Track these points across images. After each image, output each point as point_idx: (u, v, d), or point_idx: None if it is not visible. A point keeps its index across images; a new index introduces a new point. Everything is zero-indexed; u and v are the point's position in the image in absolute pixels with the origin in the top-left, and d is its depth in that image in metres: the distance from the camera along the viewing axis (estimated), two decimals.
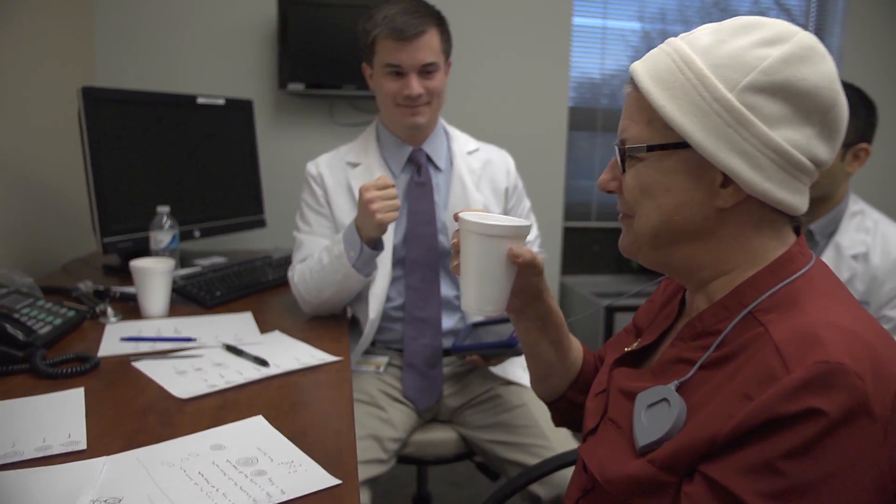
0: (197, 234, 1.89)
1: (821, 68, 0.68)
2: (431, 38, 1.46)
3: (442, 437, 1.54)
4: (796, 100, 0.68)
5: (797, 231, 0.77)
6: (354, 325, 1.61)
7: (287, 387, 1.11)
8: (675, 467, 0.66)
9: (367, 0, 2.32)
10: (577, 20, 2.73)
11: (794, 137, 0.68)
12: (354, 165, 1.57)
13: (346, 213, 1.53)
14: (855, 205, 1.56)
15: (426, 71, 1.47)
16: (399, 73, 1.46)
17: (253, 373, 1.15)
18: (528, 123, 2.68)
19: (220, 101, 1.97)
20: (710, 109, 0.68)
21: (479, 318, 1.52)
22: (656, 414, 0.70)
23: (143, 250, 1.69)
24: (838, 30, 2.97)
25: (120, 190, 1.69)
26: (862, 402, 0.58)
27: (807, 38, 0.69)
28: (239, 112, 2.07)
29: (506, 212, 1.65)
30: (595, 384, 0.89)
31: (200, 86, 2.31)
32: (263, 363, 1.19)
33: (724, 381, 0.67)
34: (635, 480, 0.69)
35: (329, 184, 1.55)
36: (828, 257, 1.54)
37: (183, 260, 1.89)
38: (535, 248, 1.75)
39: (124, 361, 1.18)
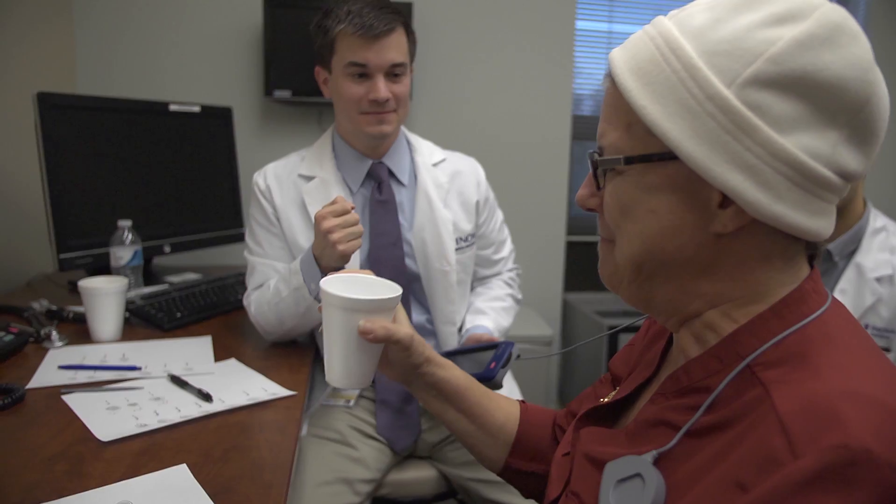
0: (167, 249, 1.78)
1: (850, 52, 0.52)
2: (400, 38, 1.32)
3: (420, 475, 1.39)
4: (817, 96, 0.52)
5: (811, 261, 0.61)
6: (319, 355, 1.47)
7: (226, 428, 0.99)
8: None
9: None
10: (580, 24, 2.60)
11: (814, 145, 0.53)
12: (308, 179, 1.41)
13: (300, 232, 1.37)
14: (877, 220, 1.42)
15: (394, 73, 1.32)
16: (364, 74, 1.31)
17: (192, 409, 1.03)
18: (529, 133, 2.55)
19: (196, 109, 1.87)
20: (703, 111, 0.53)
21: (451, 347, 1.39)
22: (628, 493, 0.56)
23: (107, 267, 1.58)
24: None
25: (80, 203, 1.58)
26: (885, 488, 0.43)
27: (832, 13, 0.53)
28: (216, 120, 1.96)
29: (478, 226, 1.51)
30: (562, 444, 0.75)
31: (184, 93, 2.22)
32: (207, 398, 1.06)
33: (715, 458, 0.52)
34: None
35: (278, 200, 1.39)
36: (848, 280, 1.39)
37: (154, 276, 1.78)
38: (508, 265, 1.60)
39: (54, 394, 1.06)
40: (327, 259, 1.20)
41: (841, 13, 0.53)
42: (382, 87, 1.30)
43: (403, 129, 1.49)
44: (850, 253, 1.41)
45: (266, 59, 2.22)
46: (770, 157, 0.52)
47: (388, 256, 1.37)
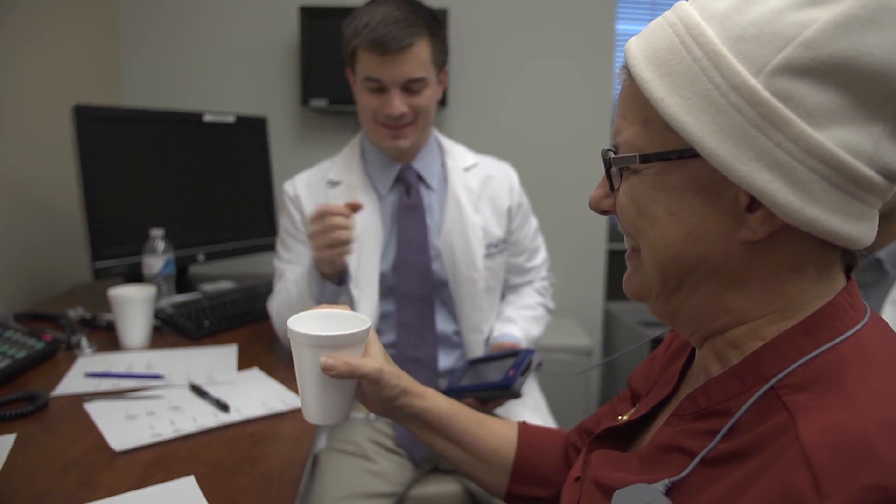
0: (201, 258, 1.80)
1: (892, 36, 0.46)
2: (420, 51, 1.26)
3: (444, 489, 1.36)
4: (857, 84, 0.47)
5: (848, 272, 0.55)
6: None
7: (239, 438, 0.98)
8: None
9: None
10: (621, 26, 2.53)
11: (854, 140, 0.47)
12: (335, 184, 1.40)
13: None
14: None
15: (411, 88, 1.29)
16: (380, 88, 1.29)
17: (209, 419, 1.02)
18: (568, 138, 2.49)
19: (230, 119, 1.88)
20: (727, 102, 0.48)
21: (476, 356, 1.35)
22: None
23: (140, 275, 1.60)
24: None
25: (115, 212, 1.61)
26: None
27: None
28: (251, 129, 1.98)
29: (510, 232, 1.47)
30: (574, 466, 0.70)
31: (223, 103, 2.25)
32: (224, 408, 1.06)
33: (733, 491, 0.46)
34: None
35: (307, 207, 1.39)
36: None
37: (189, 285, 1.80)
38: (541, 273, 1.55)
39: (76, 402, 1.07)
40: (320, 265, 1.19)
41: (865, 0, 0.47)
42: (397, 103, 1.27)
43: (435, 132, 1.46)
44: None
45: (302, 69, 2.24)
46: (803, 153, 0.47)
47: (414, 262, 1.34)
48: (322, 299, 1.23)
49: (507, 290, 1.52)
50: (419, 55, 1.26)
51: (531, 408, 1.39)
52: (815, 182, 0.47)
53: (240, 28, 2.30)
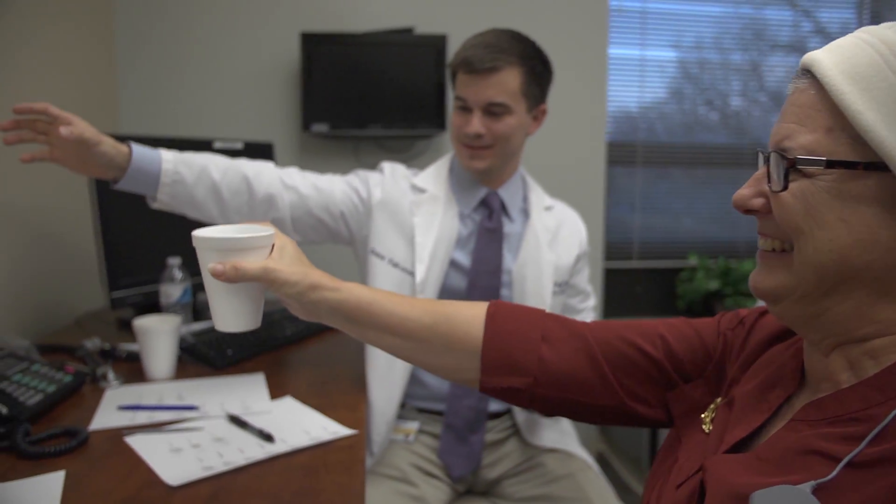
0: None
1: None
2: (507, 77, 1.31)
3: None
4: None
5: None
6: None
7: (292, 469, 0.98)
8: None
9: (394, 37, 2.26)
10: (613, 51, 2.60)
11: None
12: (420, 191, 1.42)
13: (382, 232, 1.37)
14: None
15: (493, 111, 1.33)
16: (465, 108, 1.34)
17: (256, 451, 1.02)
18: (564, 159, 2.54)
19: (239, 146, 1.89)
20: None
21: None
22: None
23: (156, 304, 1.59)
24: None
25: (129, 242, 1.60)
26: None
27: None
28: (259, 155, 1.97)
29: (572, 274, 1.50)
30: (675, 469, 0.70)
31: (224, 129, 2.25)
32: (269, 439, 1.06)
33: (889, 494, 0.49)
34: None
35: (377, 192, 1.39)
36: None
37: (200, 313, 1.79)
38: (591, 315, 1.58)
39: (116, 436, 1.06)
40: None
41: None
42: (475, 123, 1.32)
43: (522, 168, 1.50)
44: None
45: (304, 94, 2.25)
46: None
47: (485, 283, 1.37)
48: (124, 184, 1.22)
49: None
50: (505, 81, 1.31)
51: (562, 431, 1.42)
52: None
53: (240, 54, 2.31)
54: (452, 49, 2.35)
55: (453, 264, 1.39)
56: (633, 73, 2.72)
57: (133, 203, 1.61)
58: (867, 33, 0.57)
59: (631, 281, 2.84)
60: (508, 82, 1.31)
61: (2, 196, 1.52)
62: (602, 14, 2.51)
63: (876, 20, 2.82)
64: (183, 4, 2.26)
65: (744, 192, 0.63)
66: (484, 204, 1.43)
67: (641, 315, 2.86)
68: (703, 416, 0.73)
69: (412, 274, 1.35)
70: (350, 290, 0.80)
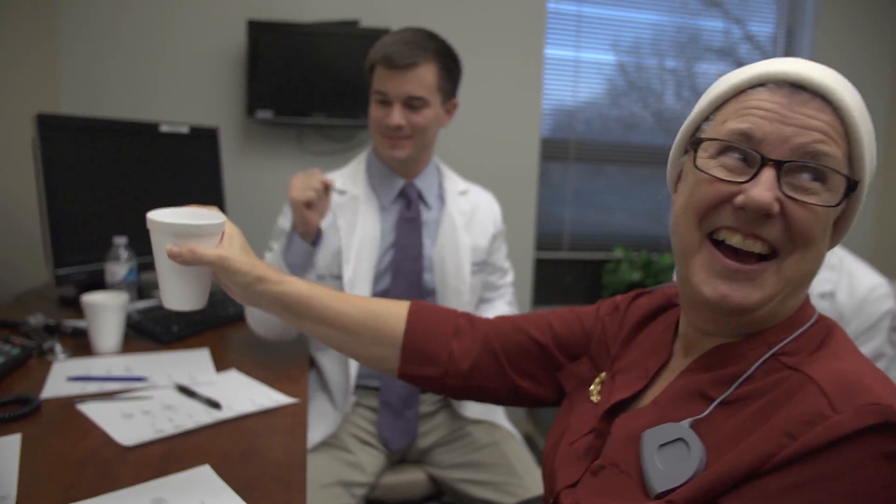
0: None
1: None
2: (424, 72, 1.41)
3: (411, 478, 1.49)
4: None
5: None
6: (314, 364, 1.55)
7: (239, 432, 1.06)
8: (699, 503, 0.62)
9: (339, 28, 2.33)
10: (549, 51, 2.74)
11: None
12: (341, 193, 1.51)
13: (327, 242, 1.46)
14: None
15: (412, 104, 1.43)
16: (385, 101, 1.43)
17: (204, 416, 1.10)
18: (500, 153, 2.67)
19: (185, 129, 1.93)
20: (871, 165, 0.66)
21: None
22: (672, 455, 0.65)
23: (99, 283, 1.63)
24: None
25: (75, 220, 1.63)
26: None
27: None
28: (204, 140, 2.03)
29: (489, 254, 1.62)
30: (567, 432, 0.83)
31: (167, 112, 2.27)
32: (216, 406, 1.13)
33: (752, 421, 0.62)
34: None
35: (341, 223, 1.49)
36: None
37: (144, 291, 1.83)
38: (510, 289, 1.71)
39: (68, 404, 1.12)
40: (296, 216, 1.31)
41: None
42: (396, 115, 1.41)
43: (436, 157, 1.60)
44: None
45: (249, 80, 2.30)
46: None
47: (408, 269, 1.47)
48: (290, 258, 1.33)
49: (482, 302, 1.67)
50: (423, 76, 1.41)
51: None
52: None
53: (187, 38, 2.33)
54: None
55: (379, 257, 1.49)
56: (568, 74, 2.86)
57: (79, 181, 1.65)
58: (840, 75, 0.68)
59: (561, 271, 3.00)
60: (426, 77, 1.42)
61: None
62: (540, 16, 2.64)
63: (791, 34, 3.06)
64: None
65: (767, 194, 0.63)
66: (402, 195, 1.53)
67: (570, 302, 3.02)
68: (590, 388, 0.86)
69: (339, 277, 1.45)
70: (291, 284, 0.90)
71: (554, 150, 2.88)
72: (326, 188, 1.36)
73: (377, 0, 2.45)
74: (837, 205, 0.65)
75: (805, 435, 0.57)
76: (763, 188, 0.63)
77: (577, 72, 2.87)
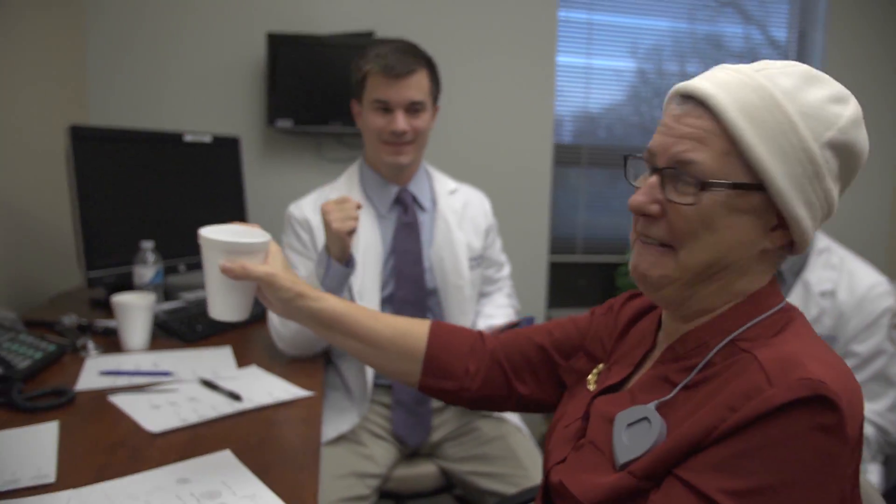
0: (182, 268, 1.93)
1: (864, 135, 0.73)
2: (421, 79, 1.50)
3: (423, 471, 1.55)
4: (849, 160, 0.72)
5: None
6: (329, 362, 1.62)
7: (258, 422, 1.14)
8: (654, 476, 0.68)
9: (355, 40, 2.41)
10: (560, 58, 2.80)
11: (835, 192, 0.73)
12: None
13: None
14: (821, 242, 1.60)
15: (413, 109, 1.50)
16: (386, 108, 1.49)
17: (226, 407, 1.17)
18: (515, 161, 2.73)
19: (207, 139, 2.02)
20: (795, 157, 0.69)
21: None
22: (637, 432, 0.72)
23: (128, 284, 1.72)
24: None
25: (105, 225, 1.72)
26: (836, 420, 0.61)
27: (856, 104, 0.72)
28: (226, 149, 2.12)
29: (485, 248, 1.68)
30: (563, 417, 0.90)
31: (191, 122, 2.37)
32: (237, 398, 1.21)
33: (707, 399, 0.68)
34: (614, 490, 0.70)
35: (315, 226, 1.56)
36: (797, 295, 1.57)
37: (169, 293, 1.92)
38: (507, 281, 1.77)
39: (101, 395, 1.21)
40: (331, 243, 1.36)
41: (858, 106, 0.73)
42: (401, 121, 1.48)
43: (423, 161, 1.67)
44: (798, 272, 1.59)
45: (269, 91, 2.39)
46: (823, 199, 0.72)
47: (409, 272, 1.54)
48: (327, 282, 1.38)
49: (481, 295, 1.73)
50: (420, 82, 1.49)
51: None
52: (820, 217, 0.73)
53: (210, 51, 2.43)
54: None
55: (383, 264, 1.55)
56: (580, 80, 2.92)
57: (108, 189, 1.74)
58: (746, 77, 0.72)
59: (574, 274, 3.05)
60: (422, 83, 1.51)
61: None
62: (551, 24, 2.70)
63: (803, 37, 3.08)
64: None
65: (640, 198, 0.74)
66: (398, 201, 1.60)
67: (584, 305, 3.07)
68: (588, 378, 0.92)
69: (349, 289, 1.50)
70: (328, 301, 0.98)
71: (568, 156, 2.93)
72: (358, 207, 1.40)
73: (391, 12, 2.53)
74: (693, 204, 0.70)
75: (743, 407, 0.63)
76: (638, 193, 0.75)
77: (588, 78, 2.92)
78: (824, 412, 0.61)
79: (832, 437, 0.61)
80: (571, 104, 2.94)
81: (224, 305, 0.91)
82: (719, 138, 0.70)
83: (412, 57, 1.48)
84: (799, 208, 0.70)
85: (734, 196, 0.71)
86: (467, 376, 1.01)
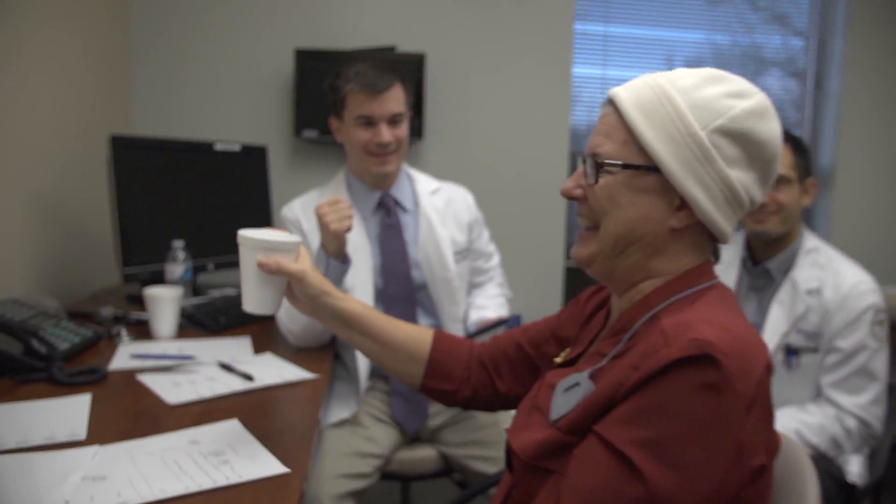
0: (211, 267, 2.08)
1: (772, 126, 0.81)
2: (398, 92, 1.62)
3: (423, 455, 1.66)
4: (750, 147, 0.80)
5: (716, 255, 0.90)
6: (337, 356, 1.74)
7: (267, 399, 1.26)
8: (576, 430, 0.78)
9: (378, 54, 2.55)
10: (577, 70, 2.89)
11: (743, 178, 0.81)
12: None
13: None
14: (809, 242, 1.66)
15: (394, 121, 1.63)
16: (370, 122, 1.61)
17: (239, 386, 1.30)
18: (531, 169, 2.82)
19: (236, 148, 2.18)
20: (684, 142, 0.79)
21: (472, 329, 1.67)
22: (569, 395, 0.82)
23: (160, 280, 1.87)
24: (836, 75, 3.07)
25: (141, 226, 1.88)
26: (724, 375, 0.69)
27: (764, 99, 0.82)
28: (254, 157, 2.27)
29: (470, 241, 1.79)
30: (530, 392, 0.99)
31: (224, 132, 2.53)
32: (249, 378, 1.34)
33: (623, 366, 0.77)
34: (543, 444, 0.80)
35: (306, 227, 1.69)
36: (785, 292, 1.63)
37: (198, 290, 2.07)
38: (497, 271, 1.88)
39: (129, 374, 1.35)
40: (327, 242, 1.47)
41: (768, 100, 0.82)
42: (386, 133, 1.60)
43: (404, 165, 1.79)
44: (786, 270, 1.65)
45: (296, 103, 2.54)
46: (720, 180, 0.80)
47: (396, 270, 1.65)
48: (327, 276, 1.50)
49: (473, 286, 1.84)
50: (398, 95, 1.62)
51: None
52: (721, 198, 0.81)
53: (241, 65, 2.60)
54: (431, 66, 2.64)
55: (373, 262, 1.67)
56: (595, 91, 3.01)
57: (144, 193, 1.91)
58: (651, 79, 0.84)
59: (590, 278, 3.11)
60: (400, 96, 1.63)
61: (33, 189, 1.81)
62: (567, 37, 2.80)
63: (822, 45, 3.12)
64: (193, 15, 2.56)
65: (568, 184, 0.88)
66: (380, 205, 1.72)
67: None
68: (555, 359, 1.02)
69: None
70: (350, 301, 1.09)
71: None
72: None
73: (411, 27, 2.66)
74: (595, 182, 0.83)
75: (643, 365, 0.72)
76: (567, 181, 0.88)
77: (603, 89, 3.01)
78: (707, 370, 0.69)
79: (717, 394, 0.68)
80: (587, 114, 3.02)
81: (257, 300, 1.01)
82: (621, 130, 0.83)
83: (389, 73, 1.61)
84: (692, 188, 0.79)
85: (631, 176, 0.82)
86: (463, 379, 1.12)
